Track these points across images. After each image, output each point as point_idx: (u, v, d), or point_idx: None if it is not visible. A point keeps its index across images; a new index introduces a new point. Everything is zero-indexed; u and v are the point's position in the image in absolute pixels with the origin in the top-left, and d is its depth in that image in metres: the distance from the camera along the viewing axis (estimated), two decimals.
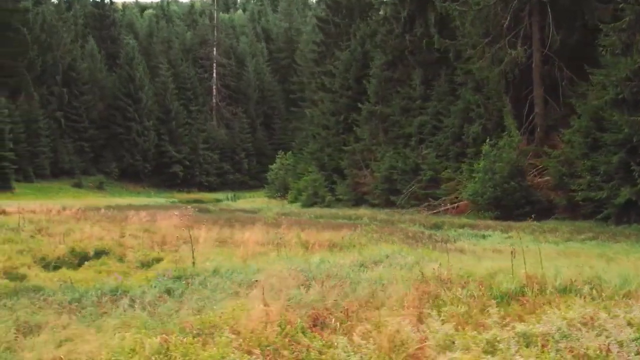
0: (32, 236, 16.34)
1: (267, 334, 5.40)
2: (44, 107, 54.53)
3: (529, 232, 19.20)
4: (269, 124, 72.20)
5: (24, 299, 8.10)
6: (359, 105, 34.91)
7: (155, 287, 8.90)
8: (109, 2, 67.97)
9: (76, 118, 57.00)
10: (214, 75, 70.07)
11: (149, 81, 61.32)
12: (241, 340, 5.23)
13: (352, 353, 4.84)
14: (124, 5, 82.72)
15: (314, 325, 5.99)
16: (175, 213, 22.69)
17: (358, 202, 32.71)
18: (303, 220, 22.03)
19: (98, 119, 59.12)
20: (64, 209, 25.29)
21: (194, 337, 5.41)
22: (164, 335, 5.43)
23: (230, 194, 53.36)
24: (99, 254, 12.25)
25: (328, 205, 32.86)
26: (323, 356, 4.89)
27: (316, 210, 28.46)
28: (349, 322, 5.96)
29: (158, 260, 11.80)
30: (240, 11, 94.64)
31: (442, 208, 26.41)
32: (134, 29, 74.05)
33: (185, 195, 55.86)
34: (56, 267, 11.44)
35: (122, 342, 5.69)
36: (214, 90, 69.94)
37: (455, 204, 26.17)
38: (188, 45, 71.10)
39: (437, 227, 21.58)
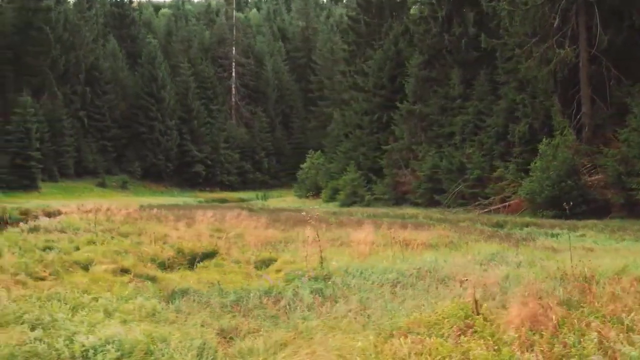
0: (112, 237, 16.29)
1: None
2: (67, 106, 54.45)
3: (598, 230, 19.17)
4: (287, 123, 72.13)
5: (183, 301, 8.00)
6: (397, 104, 34.82)
7: (302, 288, 8.80)
8: (129, 1, 67.80)
9: (99, 117, 56.92)
10: (233, 74, 69.98)
11: (170, 80, 61.23)
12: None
13: None
14: (140, 4, 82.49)
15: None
16: (229, 213, 22.70)
17: (398, 201, 32.64)
18: (362, 220, 21.92)
19: (120, 118, 59.06)
20: (119, 209, 25.25)
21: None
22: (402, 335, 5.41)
23: (259, 193, 53.28)
24: (207, 254, 12.16)
25: (367, 205, 32.78)
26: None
27: (363, 210, 28.33)
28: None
29: (271, 260, 11.71)
30: (254, 10, 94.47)
31: (493, 207, 26.34)
32: (151, 28, 73.93)
33: (209, 195, 55.82)
34: (171, 268, 11.38)
35: (357, 344, 5.64)
36: (233, 90, 69.87)
37: (506, 203, 26.11)
38: (207, 45, 70.99)
39: (499, 225, 21.51)
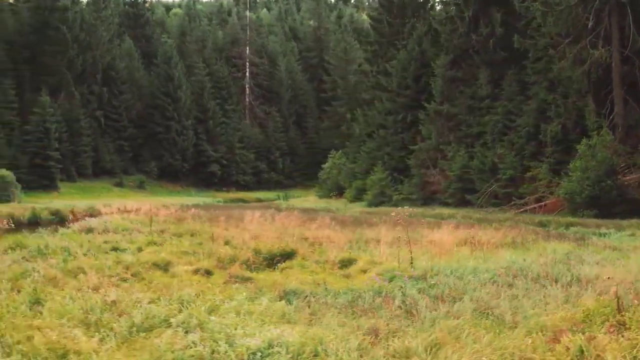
0: (170, 238, 16.29)
1: None
2: (85, 106, 54.46)
3: None
4: (301, 123, 72.14)
5: (299, 302, 8.00)
6: (424, 104, 34.85)
7: (407, 288, 8.80)
8: (142, 1, 67.77)
9: (116, 117, 56.93)
10: (247, 74, 70.01)
11: (185, 80, 61.22)
12: None
13: None
14: (151, 4, 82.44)
15: None
16: (264, 214, 22.66)
17: (426, 201, 32.64)
18: (410, 220, 21.90)
19: (136, 118, 59.06)
20: (157, 209, 25.26)
21: None
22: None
23: (280, 194, 53.30)
24: (286, 255, 12.18)
25: (395, 205, 32.69)
26: None
27: (394, 210, 28.19)
28: None
29: (351, 260, 11.71)
30: (264, 10, 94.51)
31: (529, 207, 26.37)
32: (164, 28, 73.90)
33: (226, 195, 55.83)
34: (256, 269, 11.38)
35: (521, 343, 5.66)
36: (247, 90, 69.90)
37: (542, 203, 26.15)
38: (220, 45, 70.99)
39: (542, 225, 21.54)
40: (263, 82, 70.67)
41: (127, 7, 67.70)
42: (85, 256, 12.39)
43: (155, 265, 11.65)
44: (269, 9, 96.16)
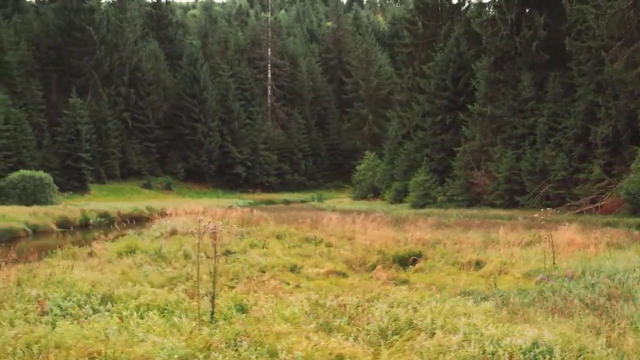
0: (265, 240, 16.32)
1: None
2: (112, 107, 54.52)
3: None
4: (322, 124, 72.26)
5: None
6: (467, 106, 34.99)
7: (573, 288, 8.87)
8: (165, 2, 67.82)
9: (142, 119, 56.99)
10: (269, 75, 70.14)
11: (210, 82, 61.31)
12: None
13: None
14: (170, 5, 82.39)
15: None
16: (334, 217, 22.75)
17: (472, 202, 32.77)
18: (486, 222, 22.01)
19: (163, 119, 59.10)
20: (214, 210, 25.35)
21: None
22: None
23: (315, 195, 53.38)
24: (413, 256, 12.27)
25: (440, 206, 32.93)
26: None
27: (446, 212, 28.41)
28: None
29: (479, 261, 11.80)
30: (282, 11, 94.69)
31: (584, 208, 26.49)
32: (186, 30, 73.95)
33: (252, 196, 55.92)
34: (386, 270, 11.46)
35: None
36: (269, 91, 70.01)
37: (598, 204, 26.27)
38: (242, 46, 71.09)
39: (610, 225, 21.65)
40: (284, 84, 70.81)
41: (150, 8, 67.74)
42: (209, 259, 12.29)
43: (285, 267, 11.69)
44: (286, 10, 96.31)
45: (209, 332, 6.05)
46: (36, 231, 26.07)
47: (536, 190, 29.31)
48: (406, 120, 41.63)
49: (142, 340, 5.82)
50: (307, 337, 5.97)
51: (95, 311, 7.12)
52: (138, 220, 35.06)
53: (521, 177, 30.66)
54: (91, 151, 49.41)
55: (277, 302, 7.52)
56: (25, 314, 6.82)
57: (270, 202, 51.05)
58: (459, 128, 37.17)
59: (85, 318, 6.72)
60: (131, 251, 13.13)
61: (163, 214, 25.70)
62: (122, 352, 5.44)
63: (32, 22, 55.78)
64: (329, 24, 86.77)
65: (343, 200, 45.70)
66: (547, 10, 34.65)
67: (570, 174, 29.17)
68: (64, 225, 28.64)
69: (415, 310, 6.95)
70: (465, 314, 7.14)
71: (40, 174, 39.11)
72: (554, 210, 27.95)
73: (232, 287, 9.23)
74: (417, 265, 11.75)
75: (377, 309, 6.87)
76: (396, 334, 6.39)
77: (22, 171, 39.19)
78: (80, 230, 29.46)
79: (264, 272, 11.21)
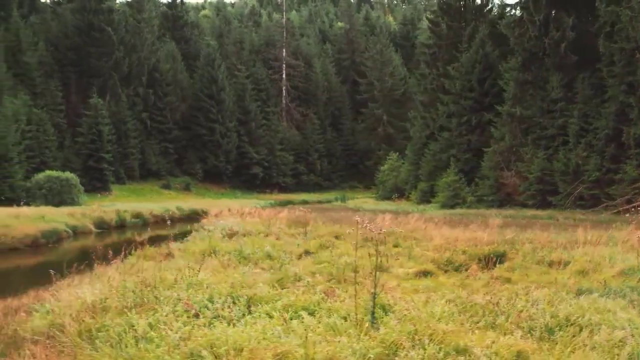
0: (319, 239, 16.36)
1: None
2: (131, 108, 54.61)
3: None
4: (337, 125, 72.45)
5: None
6: (496, 107, 35.14)
7: None
8: (181, 2, 67.90)
9: (161, 119, 57.12)
10: (284, 76, 70.31)
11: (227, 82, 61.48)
12: None
13: None
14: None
15: None
16: (387, 217, 22.83)
17: (502, 202, 32.92)
18: (517, 222, 22.13)
19: (181, 120, 59.22)
20: (249, 210, 25.44)
21: None
22: None
23: (338, 195, 53.52)
24: (498, 256, 12.37)
25: (470, 207, 33.07)
26: None
27: (484, 212, 28.52)
28: None
29: (561, 260, 11.88)
30: (293, 12, 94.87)
31: (622, 208, 26.62)
32: (200, 30, 74.06)
33: (270, 196, 56.01)
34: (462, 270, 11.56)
35: None
36: (284, 92, 70.18)
37: (634, 204, 26.38)
38: (256, 47, 71.26)
39: None
40: (299, 84, 70.97)
41: (166, 9, 67.85)
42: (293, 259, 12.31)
43: (379, 269, 11.70)
44: (297, 11, 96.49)
45: (385, 331, 6.10)
46: (76, 232, 26.17)
47: (570, 190, 29.45)
48: (430, 120, 41.77)
49: (320, 342, 5.81)
50: (475, 334, 6.09)
51: (244, 313, 7.11)
52: (171, 221, 35.29)
53: (553, 177, 30.80)
54: (112, 152, 49.52)
55: (420, 302, 7.59)
56: (176, 317, 6.80)
57: (289, 202, 51.03)
58: (485, 129, 37.31)
59: (239, 320, 6.74)
60: (213, 252, 13.16)
61: (205, 213, 25.76)
62: (306, 353, 5.47)
63: (50, 23, 55.85)
64: (340, 24, 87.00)
65: (367, 200, 45.80)
66: (575, 11, 34.80)
67: (603, 175, 29.30)
68: (101, 226, 28.76)
69: (552, 306, 7.06)
70: (609, 310, 7.28)
71: (67, 174, 39.21)
72: (591, 211, 28.19)
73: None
74: (505, 265, 11.82)
75: (531, 305, 6.98)
76: (560, 330, 6.51)
77: (48, 172, 39.30)
78: (116, 231, 29.61)
79: (356, 272, 11.30)
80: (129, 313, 6.95)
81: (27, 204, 31.30)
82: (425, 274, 11.48)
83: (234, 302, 7.50)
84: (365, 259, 13.13)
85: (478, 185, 34.75)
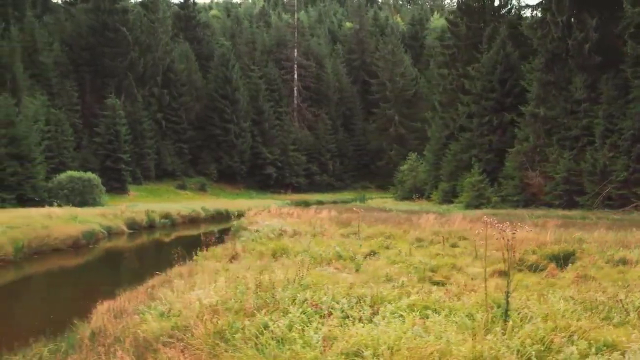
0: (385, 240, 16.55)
1: None
2: (146, 108, 54.66)
3: None
4: (348, 125, 72.65)
5: None
6: (520, 107, 35.35)
7: None
8: (192, 3, 67.96)
9: (176, 120, 57.19)
10: (295, 76, 70.46)
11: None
12: None
13: None
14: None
15: None
16: (431, 217, 22.99)
17: (527, 202, 33.12)
18: (556, 222, 22.30)
19: (195, 120, 59.29)
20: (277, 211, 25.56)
21: None
22: None
23: (352, 195, 53.68)
24: (567, 255, 12.55)
25: (494, 206, 33.25)
26: None
27: (514, 212, 28.66)
28: None
29: (625, 260, 12.08)
30: (302, 12, 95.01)
31: None
32: (211, 30, 74.14)
33: (285, 197, 56.15)
34: (542, 269, 11.73)
35: None
36: (295, 92, 70.33)
37: None
38: (268, 47, 71.39)
39: None
40: (310, 85, 71.11)
41: (178, 9, 67.91)
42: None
43: (453, 268, 11.87)
44: (305, 11, 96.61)
45: (531, 328, 6.21)
46: (110, 232, 26.31)
47: (597, 190, 29.67)
48: (450, 121, 41.95)
49: (465, 340, 5.90)
50: (618, 330, 6.25)
51: (374, 313, 7.22)
52: (194, 221, 35.40)
53: (580, 177, 31.02)
54: (129, 152, 49.58)
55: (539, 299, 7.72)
56: (308, 318, 6.76)
57: (305, 202, 51.22)
58: (507, 129, 37.51)
59: (369, 320, 6.84)
60: (284, 252, 13.29)
61: (227, 213, 25.86)
62: (473, 347, 5.60)
63: (64, 23, 55.85)
64: (349, 24, 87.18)
65: (386, 200, 45.94)
66: (598, 12, 35.01)
67: (630, 175, 29.52)
68: (132, 226, 28.88)
69: None
70: None
71: (89, 175, 39.25)
72: (621, 211, 28.42)
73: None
74: (577, 264, 11.98)
75: None
76: None
77: (70, 172, 39.33)
78: (146, 231, 29.75)
79: (434, 271, 11.47)
80: (258, 314, 7.02)
81: (60, 204, 31.35)
82: (501, 273, 11.64)
83: (357, 302, 7.61)
84: (439, 258, 13.35)
85: (502, 185, 34.94)
